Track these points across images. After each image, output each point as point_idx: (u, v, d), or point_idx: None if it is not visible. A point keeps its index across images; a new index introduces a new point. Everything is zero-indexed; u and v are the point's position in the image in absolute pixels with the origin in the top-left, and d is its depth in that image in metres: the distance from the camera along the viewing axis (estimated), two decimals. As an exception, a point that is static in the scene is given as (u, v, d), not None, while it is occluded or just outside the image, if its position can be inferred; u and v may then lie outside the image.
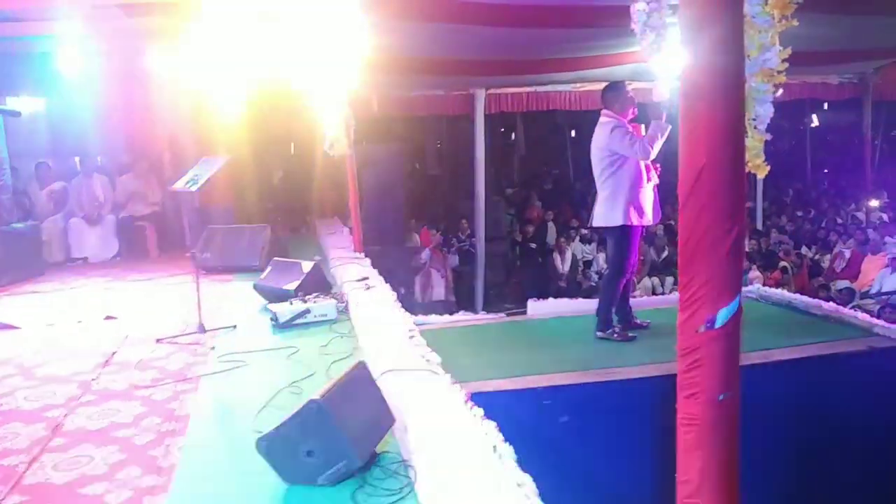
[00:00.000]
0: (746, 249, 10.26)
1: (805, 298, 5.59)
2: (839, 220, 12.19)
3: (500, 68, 9.07)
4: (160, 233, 8.09)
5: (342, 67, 5.20)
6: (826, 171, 18.87)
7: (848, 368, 4.25)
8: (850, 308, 5.89)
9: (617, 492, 3.76)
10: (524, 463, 2.30)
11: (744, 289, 6.57)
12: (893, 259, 8.59)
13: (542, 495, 2.10)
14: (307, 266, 5.25)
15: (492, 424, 2.46)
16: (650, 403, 3.79)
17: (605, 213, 4.57)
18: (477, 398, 3.00)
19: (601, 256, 10.78)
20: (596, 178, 4.62)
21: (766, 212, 12.76)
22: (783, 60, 1.69)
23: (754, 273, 8.99)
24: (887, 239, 10.04)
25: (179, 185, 4.60)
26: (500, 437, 2.37)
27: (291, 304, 4.70)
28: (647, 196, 4.55)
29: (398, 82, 8.60)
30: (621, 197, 4.47)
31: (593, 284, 10.28)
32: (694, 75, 1.48)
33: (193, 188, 4.49)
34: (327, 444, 2.44)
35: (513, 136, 19.56)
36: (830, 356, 4.29)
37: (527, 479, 2.10)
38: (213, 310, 4.90)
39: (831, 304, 5.37)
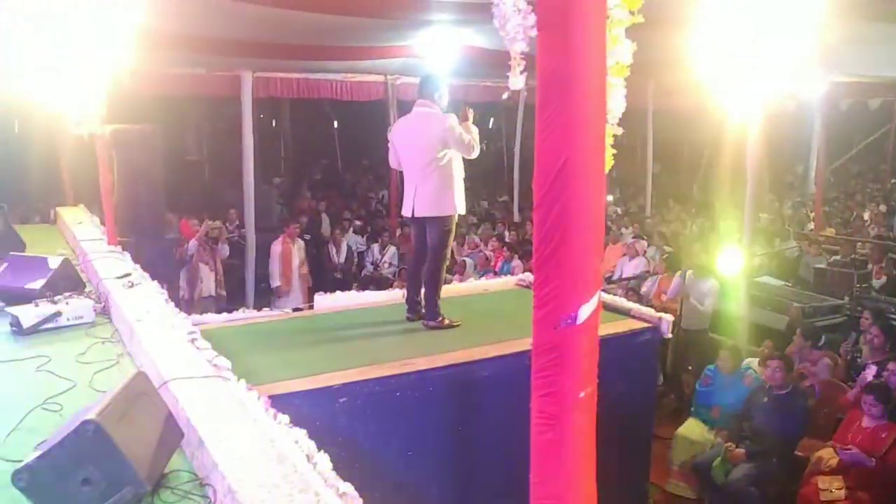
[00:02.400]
0: (507, 240, 10.98)
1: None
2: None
3: (270, 51, 8.69)
4: None
5: (98, 37, 4.57)
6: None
7: (610, 348, 4.65)
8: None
9: (424, 485, 3.76)
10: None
11: (508, 277, 7.11)
12: (630, 248, 9.73)
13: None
14: (54, 262, 4.59)
15: (302, 431, 2.28)
16: (448, 393, 3.85)
17: (432, 204, 4.52)
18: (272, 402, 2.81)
19: (375, 247, 10.84)
20: (418, 169, 4.52)
21: (521, 205, 13.84)
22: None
23: (516, 262, 9.60)
24: (623, 230, 11.39)
25: None
26: (313, 444, 2.20)
27: (37, 305, 4.08)
28: (462, 188, 4.62)
29: (156, 57, 7.82)
30: (449, 188, 4.49)
31: (368, 275, 10.30)
32: (557, 68, 1.45)
33: None
34: (108, 470, 2.09)
35: (273, 122, 18.94)
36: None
37: (348, 488, 1.97)
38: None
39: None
